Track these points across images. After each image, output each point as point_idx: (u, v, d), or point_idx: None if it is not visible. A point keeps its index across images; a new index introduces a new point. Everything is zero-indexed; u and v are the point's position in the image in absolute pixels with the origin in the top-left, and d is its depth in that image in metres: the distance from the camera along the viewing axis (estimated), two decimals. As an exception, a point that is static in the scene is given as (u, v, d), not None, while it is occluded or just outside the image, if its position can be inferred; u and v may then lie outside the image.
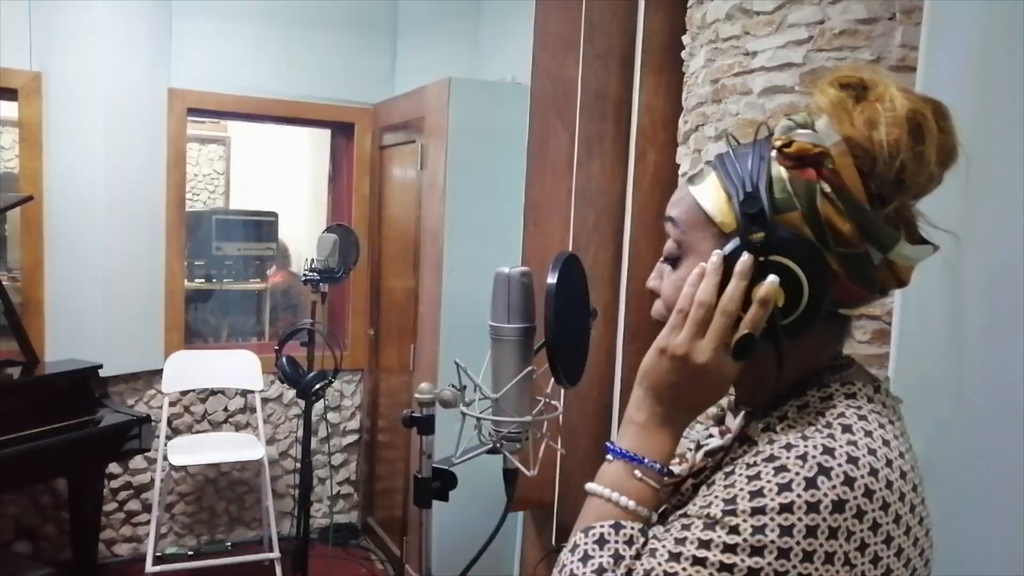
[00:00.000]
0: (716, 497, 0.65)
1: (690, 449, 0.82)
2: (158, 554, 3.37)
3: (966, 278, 1.20)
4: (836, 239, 0.69)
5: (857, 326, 1.46)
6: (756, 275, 0.69)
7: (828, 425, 0.68)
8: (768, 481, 0.63)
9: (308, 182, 4.84)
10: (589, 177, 2.22)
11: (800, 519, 0.61)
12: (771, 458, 0.65)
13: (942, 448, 1.19)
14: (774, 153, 0.71)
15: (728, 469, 0.68)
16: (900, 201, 0.69)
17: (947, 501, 1.11)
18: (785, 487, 0.62)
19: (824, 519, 0.61)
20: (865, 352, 1.48)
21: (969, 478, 1.19)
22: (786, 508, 0.61)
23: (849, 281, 0.70)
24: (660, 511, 0.81)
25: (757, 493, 0.63)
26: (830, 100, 0.70)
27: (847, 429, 0.67)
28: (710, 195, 0.73)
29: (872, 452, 0.65)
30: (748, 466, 0.65)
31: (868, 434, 0.66)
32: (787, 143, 0.70)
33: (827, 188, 0.69)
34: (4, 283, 2.96)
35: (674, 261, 0.77)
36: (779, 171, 0.70)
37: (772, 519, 0.61)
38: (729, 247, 0.70)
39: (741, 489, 0.64)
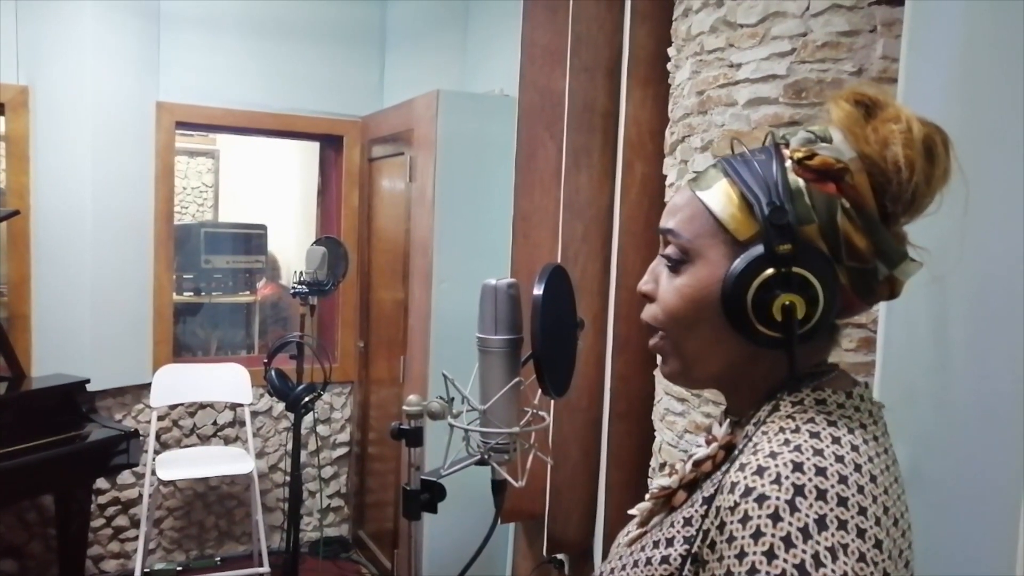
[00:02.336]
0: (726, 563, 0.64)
1: (682, 460, 0.82)
2: (147, 570, 3.34)
3: (951, 287, 1.21)
4: (850, 254, 0.70)
5: (843, 334, 1.47)
6: (775, 285, 0.69)
7: (796, 430, 0.68)
8: (758, 517, 0.62)
9: (297, 195, 4.84)
10: (577, 188, 2.23)
11: (805, 551, 0.60)
12: (748, 491, 0.64)
13: (927, 455, 1.20)
14: (790, 163, 0.71)
15: (713, 507, 0.67)
16: (907, 220, 0.71)
17: (932, 507, 1.12)
18: (775, 517, 0.61)
19: (819, 542, 0.60)
20: (851, 360, 1.49)
21: (953, 484, 1.20)
22: (786, 541, 0.60)
23: (853, 294, 0.72)
24: (650, 522, 0.82)
25: (756, 535, 0.62)
26: (846, 115, 0.71)
27: (815, 435, 0.67)
28: (721, 201, 0.73)
29: (840, 459, 0.65)
30: (731, 509, 0.64)
31: (836, 440, 0.67)
32: (809, 155, 0.71)
33: (847, 204, 0.69)
34: (-10, 298, 2.95)
35: (677, 265, 0.76)
36: (797, 182, 0.70)
37: (786, 560, 0.60)
38: (751, 256, 0.70)
39: (743, 537, 0.63)
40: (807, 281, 0.69)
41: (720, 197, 0.73)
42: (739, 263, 0.70)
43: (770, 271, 0.69)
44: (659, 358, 0.82)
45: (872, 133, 0.70)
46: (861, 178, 0.69)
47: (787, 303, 0.69)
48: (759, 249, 0.70)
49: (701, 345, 0.76)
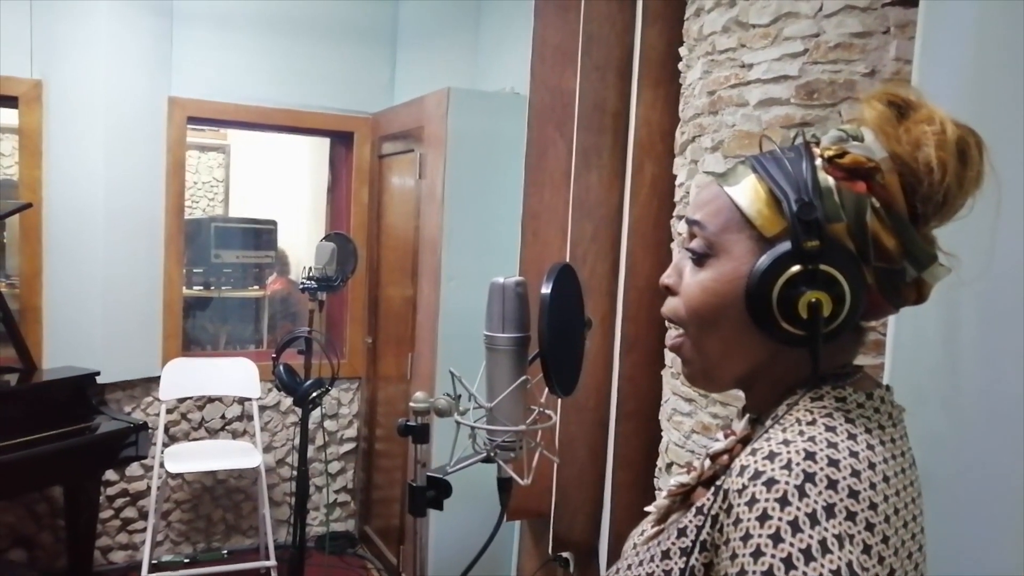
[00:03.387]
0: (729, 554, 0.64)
1: (697, 456, 0.82)
2: (154, 562, 3.37)
3: (960, 289, 1.21)
4: (878, 254, 0.69)
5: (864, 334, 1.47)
6: (801, 282, 0.68)
7: (812, 423, 0.68)
8: (766, 500, 0.62)
9: (307, 190, 4.86)
10: (587, 188, 2.23)
11: (812, 536, 0.59)
12: (757, 474, 0.64)
13: (936, 458, 1.20)
14: (819, 162, 0.71)
15: (721, 490, 0.67)
16: (938, 222, 0.71)
17: (941, 508, 1.11)
18: (783, 501, 0.61)
19: (826, 528, 0.60)
20: (860, 362, 1.48)
21: (963, 487, 1.19)
22: (793, 526, 0.60)
23: (879, 295, 0.71)
24: (667, 520, 0.81)
25: (763, 518, 0.61)
26: (878, 114, 0.71)
27: (831, 429, 0.67)
28: (749, 196, 0.73)
29: (854, 455, 0.64)
30: (738, 492, 0.64)
31: (851, 437, 0.67)
32: (840, 154, 0.70)
33: (876, 203, 0.69)
34: (3, 290, 2.97)
35: (701, 259, 0.76)
36: (827, 180, 0.70)
37: (792, 544, 0.60)
38: (778, 252, 0.70)
39: (749, 520, 0.62)
40: (834, 279, 0.68)
41: (748, 192, 0.73)
42: (765, 259, 0.70)
43: (797, 268, 0.69)
44: (679, 361, 0.81)
45: (904, 133, 0.69)
46: (892, 178, 0.69)
47: (813, 300, 0.68)
48: (786, 245, 0.69)
49: (722, 343, 0.75)
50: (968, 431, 1.21)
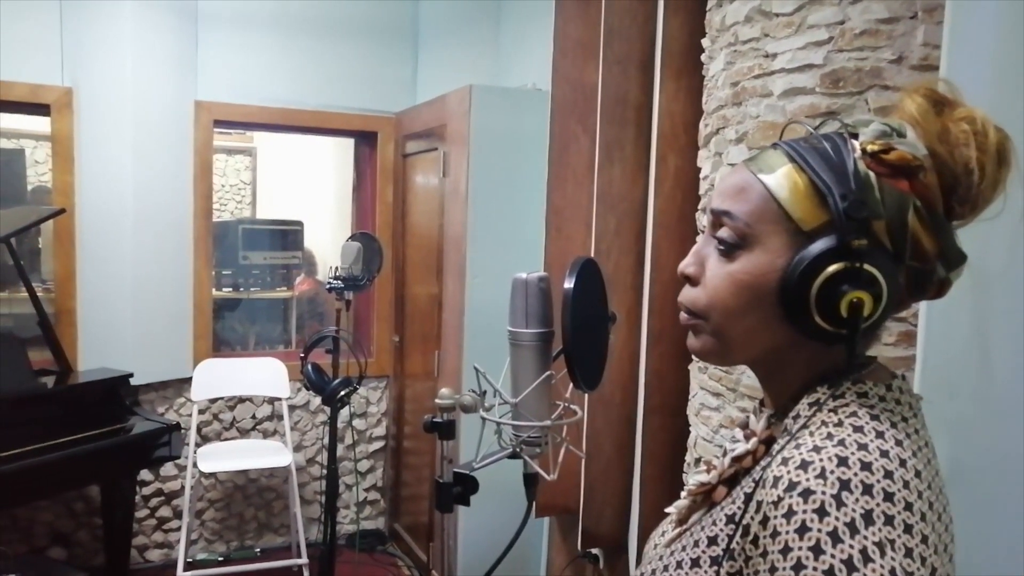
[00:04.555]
0: (767, 558, 0.63)
1: (717, 456, 0.82)
2: (189, 560, 3.42)
3: (991, 279, 1.19)
4: (914, 254, 0.68)
5: (883, 328, 1.45)
6: (841, 280, 0.67)
7: (839, 424, 0.67)
8: (803, 512, 0.61)
9: (333, 191, 4.89)
10: (610, 182, 2.22)
11: (852, 546, 0.59)
12: (792, 485, 0.63)
13: (967, 450, 1.18)
14: (859, 154, 0.69)
15: (754, 501, 0.66)
16: (961, 224, 0.70)
17: (972, 502, 1.10)
18: (821, 511, 0.61)
19: (866, 537, 0.59)
20: (891, 354, 1.46)
21: (994, 479, 1.17)
22: (833, 536, 0.60)
23: (906, 292, 0.71)
24: (689, 520, 0.81)
25: (801, 530, 0.61)
26: (919, 108, 0.69)
27: (858, 429, 0.66)
28: (786, 187, 0.70)
29: (884, 454, 0.64)
30: (774, 504, 0.63)
31: (880, 435, 0.65)
32: (886, 149, 0.69)
33: (918, 203, 0.68)
34: (38, 294, 3.03)
35: (731, 249, 0.73)
36: (867, 175, 0.68)
37: (833, 555, 0.59)
38: (821, 248, 0.68)
39: (788, 532, 0.62)
40: (874, 278, 0.67)
41: (786, 183, 0.70)
42: (808, 254, 0.68)
43: (839, 265, 0.67)
44: (689, 334, 0.79)
45: (944, 132, 0.68)
46: (932, 177, 0.68)
47: (855, 300, 0.67)
48: (829, 241, 0.68)
49: (744, 332, 0.74)
50: (999, 422, 1.19)
